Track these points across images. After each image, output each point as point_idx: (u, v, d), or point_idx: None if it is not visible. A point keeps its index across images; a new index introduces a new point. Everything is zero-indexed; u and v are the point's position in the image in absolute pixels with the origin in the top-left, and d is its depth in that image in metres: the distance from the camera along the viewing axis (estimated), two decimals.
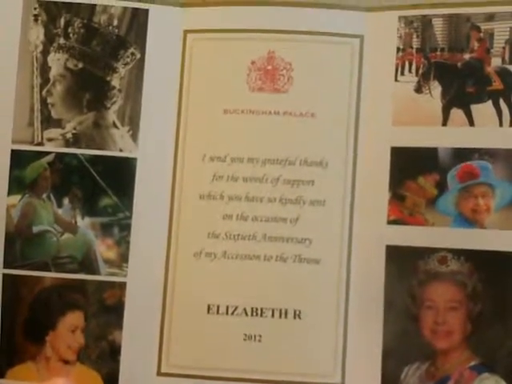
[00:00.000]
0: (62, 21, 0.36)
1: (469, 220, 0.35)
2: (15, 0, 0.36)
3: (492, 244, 0.34)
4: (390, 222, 0.35)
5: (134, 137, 0.36)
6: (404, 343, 0.35)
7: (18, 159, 0.36)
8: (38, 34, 0.36)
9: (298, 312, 0.35)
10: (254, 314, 0.35)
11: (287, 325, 0.35)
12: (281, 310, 0.35)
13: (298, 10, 0.36)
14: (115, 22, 0.36)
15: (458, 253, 0.35)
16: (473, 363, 0.35)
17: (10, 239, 0.36)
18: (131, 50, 0.36)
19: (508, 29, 0.36)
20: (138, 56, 0.36)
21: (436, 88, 0.36)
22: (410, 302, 0.35)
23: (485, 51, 0.36)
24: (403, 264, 0.35)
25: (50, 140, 0.36)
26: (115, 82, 0.36)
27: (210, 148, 0.36)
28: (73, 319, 0.37)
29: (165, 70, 0.36)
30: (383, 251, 0.35)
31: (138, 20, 0.36)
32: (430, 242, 0.35)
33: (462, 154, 0.35)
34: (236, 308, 0.35)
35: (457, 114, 0.36)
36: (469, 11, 0.36)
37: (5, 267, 0.36)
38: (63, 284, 0.36)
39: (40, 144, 0.36)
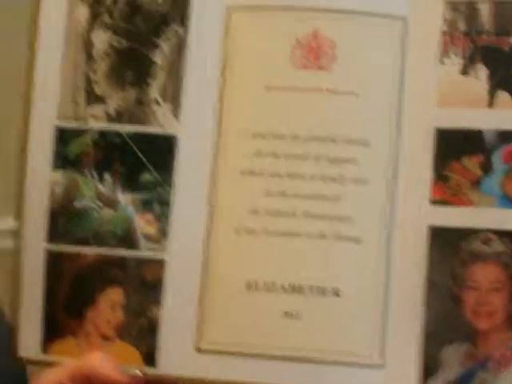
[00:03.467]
0: (107, 6, 0.37)
1: None
2: None
3: None
4: (433, 202, 0.35)
5: (176, 113, 0.36)
6: (445, 324, 0.35)
7: (62, 135, 0.37)
8: (83, 12, 0.37)
9: (336, 290, 0.35)
10: (293, 290, 0.35)
11: (326, 303, 0.35)
12: (319, 288, 0.35)
13: None
14: (160, 1, 0.37)
15: (502, 234, 0.35)
16: None
17: (53, 215, 0.37)
18: (174, 26, 0.37)
19: None
20: (181, 32, 0.37)
21: (482, 71, 0.36)
22: (451, 283, 0.35)
23: None
24: (446, 244, 0.35)
25: (93, 116, 0.37)
26: (158, 58, 0.37)
27: (252, 125, 0.36)
28: (112, 295, 0.37)
29: (207, 47, 0.36)
30: (425, 231, 0.35)
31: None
32: (474, 223, 0.35)
33: (507, 136, 0.35)
34: (275, 284, 0.35)
35: (503, 96, 0.35)
36: None
37: (48, 242, 0.37)
38: (103, 260, 0.37)
39: (83, 120, 0.37)
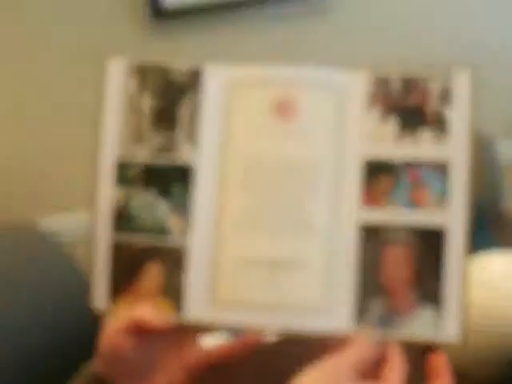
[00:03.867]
0: (150, 81, 0.56)
1: None
2: (118, 65, 0.56)
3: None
4: (362, 206, 0.54)
5: (194, 149, 0.55)
6: (370, 285, 0.54)
7: (122, 165, 0.56)
8: (134, 84, 0.56)
9: (303, 264, 0.54)
10: (274, 264, 0.54)
11: (294, 273, 0.54)
12: (290, 262, 0.54)
13: (302, 68, 0.55)
14: (183, 77, 0.56)
15: (407, 227, 0.53)
16: (415, 298, 0.53)
17: (115, 215, 0.56)
18: (192, 94, 0.56)
19: None
20: (196, 97, 0.56)
21: (394, 120, 0.54)
22: (374, 260, 0.54)
23: None
24: (370, 232, 0.54)
25: (140, 152, 0.56)
26: (182, 114, 0.56)
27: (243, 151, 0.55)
28: (156, 266, 0.56)
29: (213, 108, 0.56)
30: (358, 225, 0.54)
31: (197, 73, 0.56)
32: (389, 219, 0.54)
33: (412, 162, 0.54)
34: (263, 260, 0.54)
35: (409, 137, 0.54)
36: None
37: (112, 232, 0.56)
38: (148, 243, 0.56)
39: (135, 154, 0.56)
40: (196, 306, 0.55)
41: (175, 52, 1.64)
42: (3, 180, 1.65)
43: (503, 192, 0.89)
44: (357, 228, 0.54)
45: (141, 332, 0.54)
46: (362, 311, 0.54)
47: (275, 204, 0.54)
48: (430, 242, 0.53)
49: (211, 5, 1.67)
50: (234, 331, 0.57)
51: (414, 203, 0.54)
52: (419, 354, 0.53)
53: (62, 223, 1.28)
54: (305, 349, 0.57)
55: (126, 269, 0.56)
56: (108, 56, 0.55)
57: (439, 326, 0.53)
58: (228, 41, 1.66)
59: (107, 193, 0.56)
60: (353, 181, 0.54)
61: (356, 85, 0.55)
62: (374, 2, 1.69)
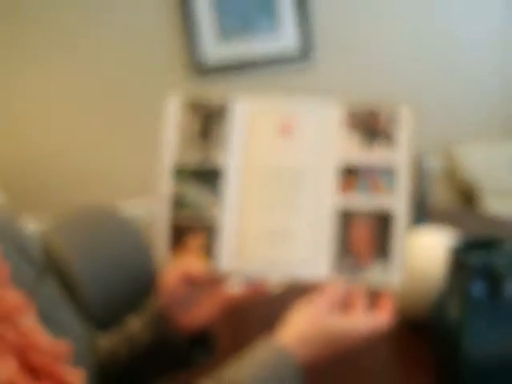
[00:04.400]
0: (196, 111, 0.83)
1: None
2: (175, 101, 0.83)
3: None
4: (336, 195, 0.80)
5: (225, 157, 0.82)
6: (340, 247, 0.79)
7: (176, 167, 0.83)
8: (185, 116, 0.83)
9: (294, 232, 0.80)
10: (274, 233, 0.80)
11: (289, 238, 0.80)
12: (283, 231, 0.80)
13: (298, 101, 0.81)
14: (220, 109, 0.83)
15: (370, 210, 0.79)
16: (372, 255, 0.79)
17: (172, 200, 0.83)
18: (225, 120, 0.83)
19: None
20: (228, 123, 0.83)
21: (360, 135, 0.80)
22: (346, 229, 0.79)
23: None
24: (342, 211, 0.80)
25: (189, 160, 0.83)
26: (219, 134, 0.83)
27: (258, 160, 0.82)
28: (199, 233, 0.82)
29: (240, 129, 0.83)
30: (335, 209, 0.80)
31: (229, 106, 0.83)
32: (357, 204, 0.80)
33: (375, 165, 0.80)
34: (265, 230, 0.80)
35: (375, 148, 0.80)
36: None
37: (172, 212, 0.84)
38: (193, 220, 0.83)
39: (185, 161, 0.83)
40: (224, 262, 0.81)
41: (213, 93, 2.23)
42: (91, 171, 2.43)
43: (429, 190, 1.19)
44: (332, 209, 0.80)
45: (187, 278, 0.80)
46: (336, 265, 0.79)
47: (277, 194, 0.81)
48: (383, 219, 0.79)
49: (232, 64, 2.49)
50: (251, 280, 0.83)
51: (371, 192, 0.79)
52: (374, 295, 0.78)
53: (134, 207, 1.74)
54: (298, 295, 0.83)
55: (179, 236, 0.83)
56: (168, 96, 0.84)
57: (387, 277, 0.78)
58: (248, 85, 2.45)
59: (166, 186, 0.84)
60: (330, 178, 0.80)
61: (333, 113, 0.81)
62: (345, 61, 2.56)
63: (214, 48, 2.45)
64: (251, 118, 0.83)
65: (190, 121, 0.84)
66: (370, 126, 0.80)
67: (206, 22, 2.43)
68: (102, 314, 1.47)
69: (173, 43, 2.44)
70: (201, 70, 2.47)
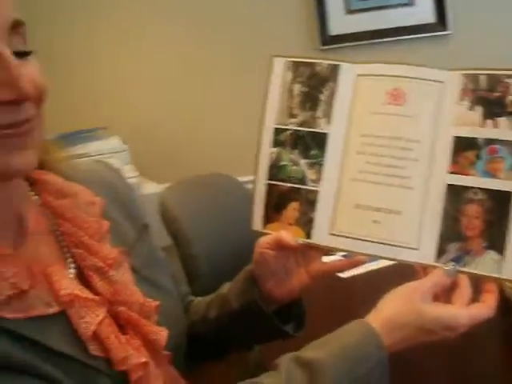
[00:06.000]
0: (301, 72, 0.78)
1: None
2: (280, 61, 0.79)
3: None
4: (450, 173, 0.72)
5: (328, 122, 0.77)
6: (451, 231, 0.71)
7: (276, 131, 0.80)
8: (288, 75, 0.79)
9: (398, 211, 0.73)
10: (377, 210, 0.74)
11: (393, 217, 0.74)
12: (390, 209, 0.73)
13: (412, 67, 0.73)
14: (325, 70, 0.77)
15: (483, 189, 0.70)
16: (484, 244, 0.70)
17: (269, 167, 0.80)
18: (331, 82, 0.77)
19: None
20: (333, 85, 0.77)
21: (479, 109, 0.71)
22: (456, 212, 0.71)
23: None
24: (455, 193, 0.71)
25: (290, 123, 0.79)
26: (322, 97, 0.78)
27: (362, 130, 0.75)
28: (294, 205, 0.79)
29: (345, 92, 0.77)
30: (446, 186, 0.72)
31: (335, 68, 0.77)
32: (470, 183, 0.71)
33: (489, 141, 0.70)
34: (369, 206, 0.74)
35: (488, 121, 0.71)
36: None
37: (267, 180, 0.80)
38: (291, 189, 0.79)
39: (286, 124, 0.79)
40: (319, 234, 0.77)
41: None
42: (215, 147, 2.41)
43: None
44: (444, 188, 0.72)
45: (281, 247, 0.78)
46: (441, 251, 0.71)
47: (383, 166, 0.74)
48: (499, 204, 0.69)
49: (360, 34, 2.34)
50: (345, 254, 0.78)
51: (490, 173, 0.70)
52: (478, 287, 0.70)
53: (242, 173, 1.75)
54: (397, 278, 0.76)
55: (275, 204, 0.80)
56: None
57: (499, 269, 0.69)
58: (371, 56, 2.12)
59: (266, 151, 0.80)
60: (445, 153, 0.72)
61: (451, 81, 0.72)
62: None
63: (342, 19, 2.34)
64: (358, 83, 0.76)
65: (293, 82, 0.79)
66: (497, 98, 0.70)
67: None
68: (207, 276, 1.50)
69: (301, 14, 2.35)
70: (325, 40, 2.35)
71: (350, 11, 2.33)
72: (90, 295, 0.63)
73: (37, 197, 0.69)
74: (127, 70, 2.42)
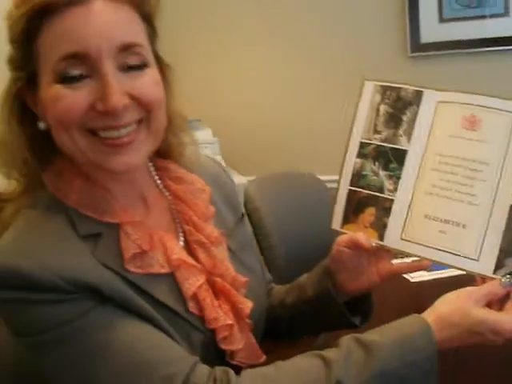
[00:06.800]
0: (388, 95, 0.89)
1: None
2: (370, 84, 0.90)
3: None
4: None
5: (408, 141, 0.87)
6: (510, 245, 0.80)
7: (362, 144, 0.90)
8: (378, 98, 0.90)
9: (464, 224, 0.82)
10: (445, 222, 0.83)
11: (458, 230, 0.83)
12: (456, 222, 0.83)
13: (488, 97, 0.82)
14: (409, 95, 0.87)
15: None
16: None
17: (353, 176, 0.91)
18: (413, 106, 0.87)
19: None
20: (416, 109, 0.87)
21: None
22: None
23: None
24: None
25: (374, 138, 0.90)
26: (405, 118, 0.88)
27: (438, 150, 0.85)
28: (371, 210, 0.90)
29: (425, 116, 0.86)
30: (510, 206, 0.80)
31: (419, 94, 0.87)
32: None
33: None
34: (437, 218, 0.84)
35: None
36: None
37: (350, 186, 0.91)
38: (368, 195, 0.90)
39: (370, 139, 0.90)
40: (391, 238, 0.87)
41: (426, 75, 2.33)
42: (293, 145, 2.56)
43: None
44: (508, 208, 0.80)
45: (357, 246, 0.88)
46: (500, 264, 0.79)
47: (454, 183, 0.84)
48: None
49: (451, 43, 2.39)
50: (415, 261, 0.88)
51: None
52: None
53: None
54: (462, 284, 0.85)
55: (354, 208, 0.91)
56: (369, 77, 0.90)
57: None
58: (462, 69, 2.35)
59: (351, 161, 0.91)
60: (511, 176, 0.81)
61: None
62: None
63: (435, 27, 2.39)
64: (438, 109, 0.86)
65: (380, 104, 0.89)
66: None
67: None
68: (282, 267, 1.63)
69: (393, 21, 2.43)
70: (416, 47, 2.42)
71: (443, 20, 2.39)
72: (194, 262, 0.77)
73: (160, 181, 0.84)
74: (227, 74, 2.66)
